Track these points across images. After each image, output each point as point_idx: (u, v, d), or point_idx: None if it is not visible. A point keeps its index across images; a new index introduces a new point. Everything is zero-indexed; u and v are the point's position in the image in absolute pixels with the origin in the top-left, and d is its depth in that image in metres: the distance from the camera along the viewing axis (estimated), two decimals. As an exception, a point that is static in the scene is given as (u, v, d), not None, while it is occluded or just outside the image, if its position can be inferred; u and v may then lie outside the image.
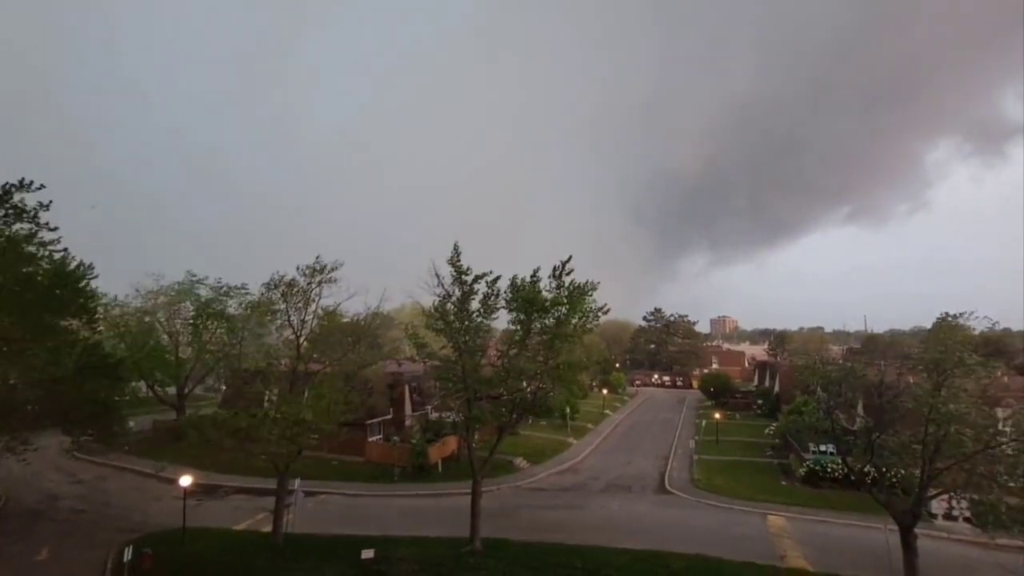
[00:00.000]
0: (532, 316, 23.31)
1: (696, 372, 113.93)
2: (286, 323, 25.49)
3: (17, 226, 22.97)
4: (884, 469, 21.32)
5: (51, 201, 22.74)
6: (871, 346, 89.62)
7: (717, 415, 57.81)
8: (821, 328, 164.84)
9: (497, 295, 24.01)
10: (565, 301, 23.22)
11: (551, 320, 23.45)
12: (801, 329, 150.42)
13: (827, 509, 29.93)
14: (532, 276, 23.61)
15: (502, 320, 25.04)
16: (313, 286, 24.90)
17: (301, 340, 25.26)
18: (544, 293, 23.49)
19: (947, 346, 19.11)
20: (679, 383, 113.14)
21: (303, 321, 25.28)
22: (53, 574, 20.71)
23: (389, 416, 44.97)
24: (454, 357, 23.96)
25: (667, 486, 35.34)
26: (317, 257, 24.90)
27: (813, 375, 21.93)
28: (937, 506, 26.85)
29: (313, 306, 25.44)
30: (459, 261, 23.79)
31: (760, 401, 68.82)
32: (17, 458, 23.01)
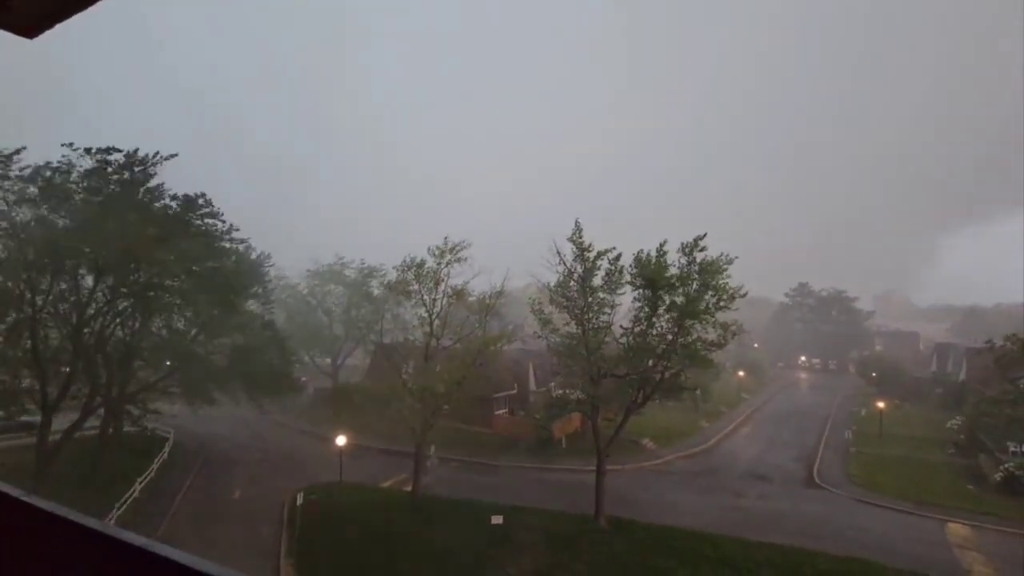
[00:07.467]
0: (657, 292, 22.36)
1: (854, 355, 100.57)
2: (420, 302, 27.39)
3: (210, 221, 27.72)
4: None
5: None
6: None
7: (880, 404, 50.53)
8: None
9: (620, 271, 23.45)
10: (696, 277, 21.95)
11: (679, 297, 22.30)
12: (998, 305, 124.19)
13: (1032, 523, 24.73)
14: (658, 251, 22.60)
15: (629, 296, 24.40)
16: (442, 266, 26.36)
17: (433, 318, 26.95)
18: (673, 269, 22.39)
19: None
20: (831, 367, 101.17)
21: (434, 300, 26.94)
22: (246, 510, 25.04)
23: (514, 391, 46.44)
24: (577, 334, 23.87)
25: (816, 479, 31.91)
26: (445, 238, 26.24)
27: None
28: None
29: (443, 285, 26.97)
30: (580, 238, 23.51)
31: (939, 391, 59.88)
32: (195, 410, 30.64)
